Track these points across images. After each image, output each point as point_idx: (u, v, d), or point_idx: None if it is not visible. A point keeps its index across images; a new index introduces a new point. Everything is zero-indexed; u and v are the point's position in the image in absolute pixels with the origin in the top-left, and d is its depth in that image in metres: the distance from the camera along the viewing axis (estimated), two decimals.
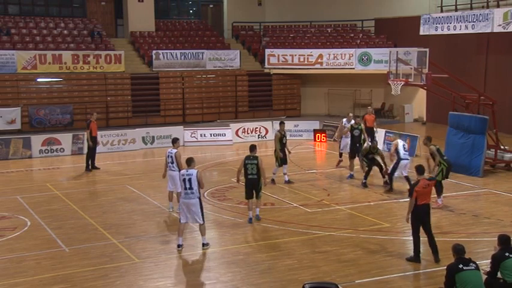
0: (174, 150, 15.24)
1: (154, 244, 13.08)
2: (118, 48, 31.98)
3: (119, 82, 30.85)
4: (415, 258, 11.79)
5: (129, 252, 12.48)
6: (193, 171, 12.55)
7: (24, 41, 30.66)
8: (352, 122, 20.05)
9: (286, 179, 18.41)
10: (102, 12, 36.27)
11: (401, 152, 17.13)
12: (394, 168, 17.09)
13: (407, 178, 16.94)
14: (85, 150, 21.98)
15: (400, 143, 17.47)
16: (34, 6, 35.00)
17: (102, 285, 10.89)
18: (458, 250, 9.07)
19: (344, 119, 21.54)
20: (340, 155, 20.80)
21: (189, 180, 12.47)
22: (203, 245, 12.77)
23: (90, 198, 17.62)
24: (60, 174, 20.87)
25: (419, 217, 11.63)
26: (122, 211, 15.76)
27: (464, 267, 8.79)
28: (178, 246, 12.65)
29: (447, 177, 15.95)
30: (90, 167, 20.89)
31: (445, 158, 15.89)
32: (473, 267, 8.84)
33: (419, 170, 12.03)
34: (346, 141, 20.02)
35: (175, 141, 15.59)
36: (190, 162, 12.80)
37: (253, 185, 14.39)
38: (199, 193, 12.65)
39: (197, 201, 12.57)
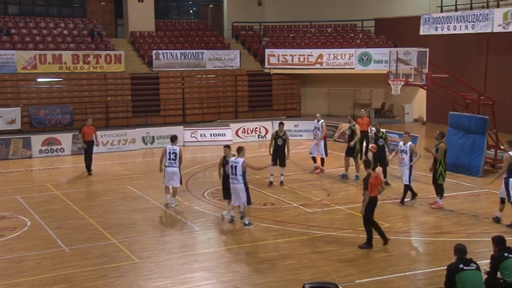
0: (177, 147, 15.51)
1: (154, 244, 13.09)
2: (118, 48, 31.95)
3: (119, 82, 30.81)
4: (368, 245, 12.45)
5: (129, 252, 12.48)
6: (240, 160, 13.82)
7: (24, 41, 30.63)
8: (322, 121, 19.88)
9: (281, 179, 18.39)
10: (102, 12, 36.22)
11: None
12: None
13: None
14: None
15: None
16: (34, 6, 34.94)
17: (102, 285, 10.89)
18: (460, 250, 9.06)
19: (315, 120, 20.34)
20: (314, 159, 20.10)
21: (235, 167, 13.78)
22: (244, 224, 14.00)
23: (90, 198, 17.62)
24: (60, 174, 20.87)
25: (373, 208, 12.47)
26: (121, 211, 15.76)
27: (465, 267, 8.78)
28: (232, 218, 14.20)
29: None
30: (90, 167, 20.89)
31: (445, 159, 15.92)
32: (473, 268, 8.82)
33: (367, 164, 12.87)
34: (314, 142, 19.88)
35: (175, 138, 16.02)
36: (240, 150, 14.01)
37: None
38: (245, 179, 13.87)
39: (242, 186, 13.83)
